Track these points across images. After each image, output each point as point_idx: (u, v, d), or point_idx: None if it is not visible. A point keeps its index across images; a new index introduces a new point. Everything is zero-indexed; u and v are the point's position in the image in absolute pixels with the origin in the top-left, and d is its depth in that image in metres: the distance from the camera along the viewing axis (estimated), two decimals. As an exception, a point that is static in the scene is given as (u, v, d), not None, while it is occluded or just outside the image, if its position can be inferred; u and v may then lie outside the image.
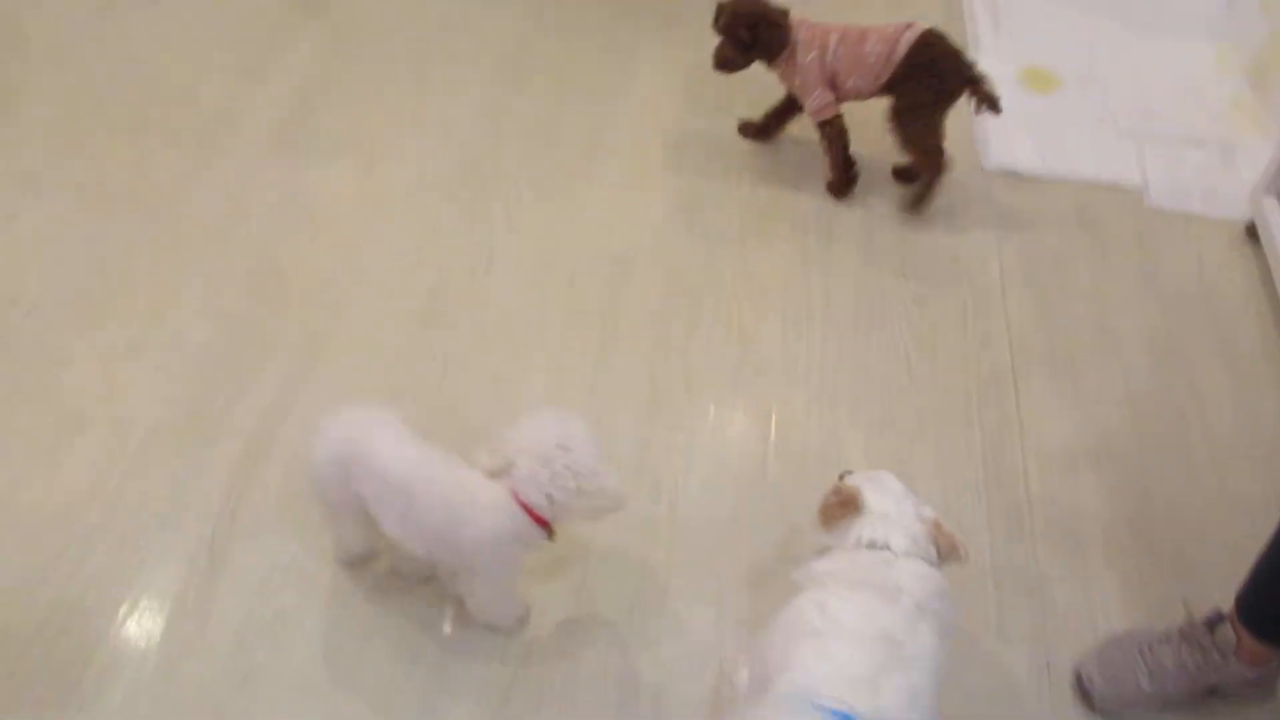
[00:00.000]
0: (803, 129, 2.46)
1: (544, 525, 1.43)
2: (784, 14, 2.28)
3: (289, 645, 1.59)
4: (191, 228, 2.22)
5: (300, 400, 1.92)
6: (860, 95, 2.31)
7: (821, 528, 1.44)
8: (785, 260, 2.28)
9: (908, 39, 2.20)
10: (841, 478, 1.52)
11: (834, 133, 2.35)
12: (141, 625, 1.60)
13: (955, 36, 2.29)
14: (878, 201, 2.43)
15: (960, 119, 2.31)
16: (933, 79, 2.22)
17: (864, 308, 2.19)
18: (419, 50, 2.75)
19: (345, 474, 1.46)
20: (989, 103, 2.22)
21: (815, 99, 2.30)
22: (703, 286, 2.20)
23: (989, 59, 2.61)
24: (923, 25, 2.23)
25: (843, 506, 1.42)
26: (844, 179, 2.41)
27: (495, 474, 1.43)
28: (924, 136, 2.29)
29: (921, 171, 2.37)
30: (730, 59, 2.29)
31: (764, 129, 2.53)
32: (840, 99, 2.32)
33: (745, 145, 2.54)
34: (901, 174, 2.48)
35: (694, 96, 2.67)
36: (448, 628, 1.63)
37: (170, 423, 1.87)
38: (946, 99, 2.24)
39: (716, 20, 2.28)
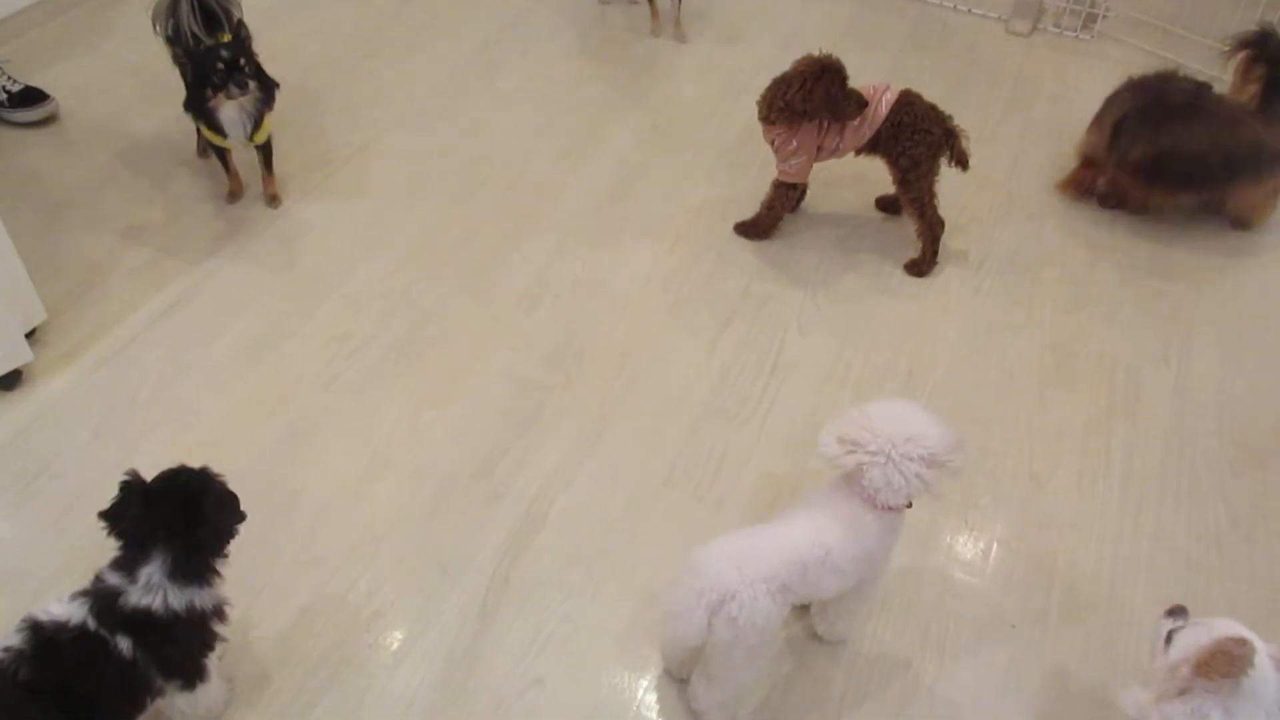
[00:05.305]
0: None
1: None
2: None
3: (541, 713, 1.64)
4: (504, 294, 2.37)
5: (580, 472, 1.99)
6: (838, 154, 2.40)
7: (1198, 679, 1.33)
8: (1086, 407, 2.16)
9: (888, 100, 2.29)
10: (1174, 614, 1.46)
11: (792, 197, 2.48)
12: (414, 673, 1.69)
13: None
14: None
15: None
16: (919, 134, 2.28)
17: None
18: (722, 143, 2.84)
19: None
20: (961, 160, 2.31)
21: (793, 163, 2.38)
22: (994, 420, 2.12)
23: None
24: (898, 86, 2.32)
25: (1232, 665, 1.31)
26: (766, 228, 2.52)
27: (838, 465, 1.48)
28: (927, 195, 2.35)
29: (922, 239, 2.42)
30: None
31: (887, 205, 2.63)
32: (819, 158, 2.39)
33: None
34: (885, 204, 2.61)
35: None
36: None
37: (463, 476, 1.98)
38: (936, 152, 2.31)
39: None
